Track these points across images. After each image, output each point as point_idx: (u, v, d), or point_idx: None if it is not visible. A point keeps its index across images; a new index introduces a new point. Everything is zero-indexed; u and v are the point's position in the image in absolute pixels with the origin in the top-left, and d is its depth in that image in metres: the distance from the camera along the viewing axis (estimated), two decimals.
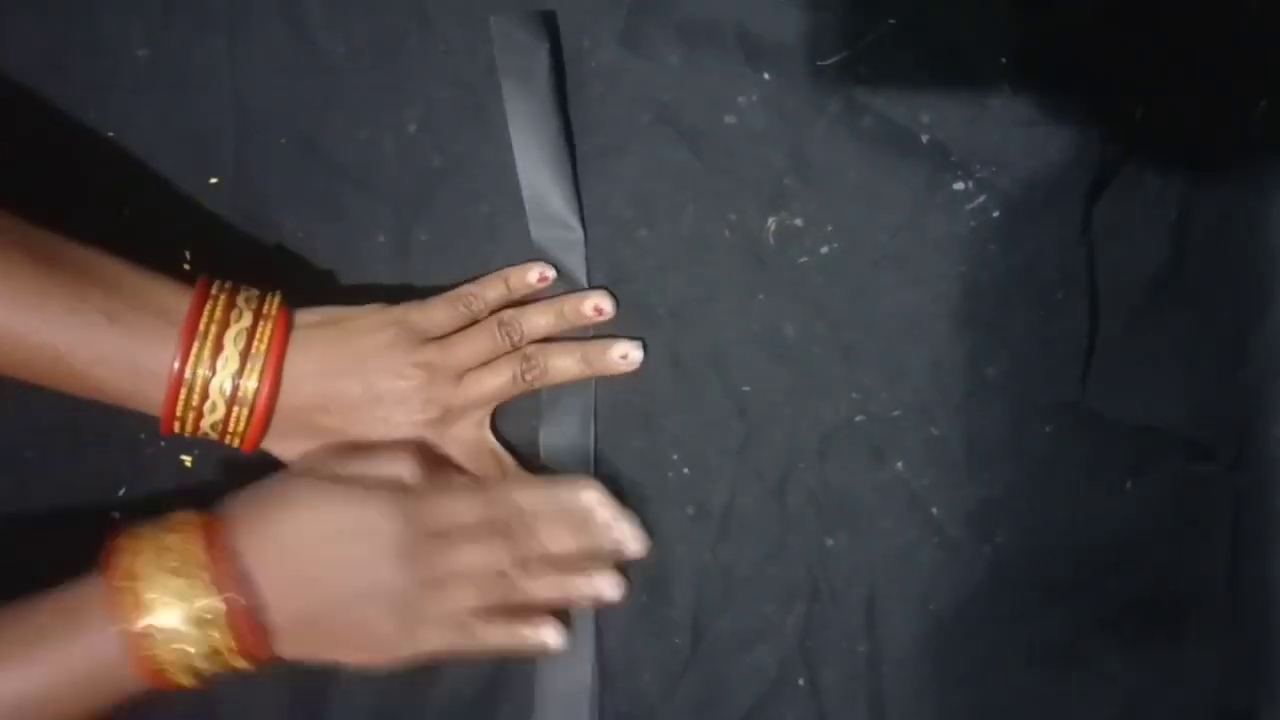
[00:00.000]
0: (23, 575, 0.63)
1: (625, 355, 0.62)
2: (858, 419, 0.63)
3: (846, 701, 0.64)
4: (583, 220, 0.63)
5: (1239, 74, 0.64)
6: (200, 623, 0.52)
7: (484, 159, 0.64)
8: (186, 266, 0.64)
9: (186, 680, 0.53)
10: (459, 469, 0.61)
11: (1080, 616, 0.63)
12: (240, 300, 0.57)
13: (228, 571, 0.53)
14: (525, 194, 0.63)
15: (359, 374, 0.58)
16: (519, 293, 0.62)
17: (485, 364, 0.60)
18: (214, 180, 0.64)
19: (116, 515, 0.64)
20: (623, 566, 0.61)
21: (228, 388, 0.56)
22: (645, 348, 0.63)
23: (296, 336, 0.57)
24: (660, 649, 0.64)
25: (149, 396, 0.56)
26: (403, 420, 0.59)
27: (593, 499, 0.60)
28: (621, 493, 0.63)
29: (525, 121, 0.63)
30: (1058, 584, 0.63)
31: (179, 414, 0.56)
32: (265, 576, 0.54)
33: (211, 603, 0.52)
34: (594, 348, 0.62)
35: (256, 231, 0.64)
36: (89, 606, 0.53)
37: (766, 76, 0.63)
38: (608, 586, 0.60)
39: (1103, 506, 0.63)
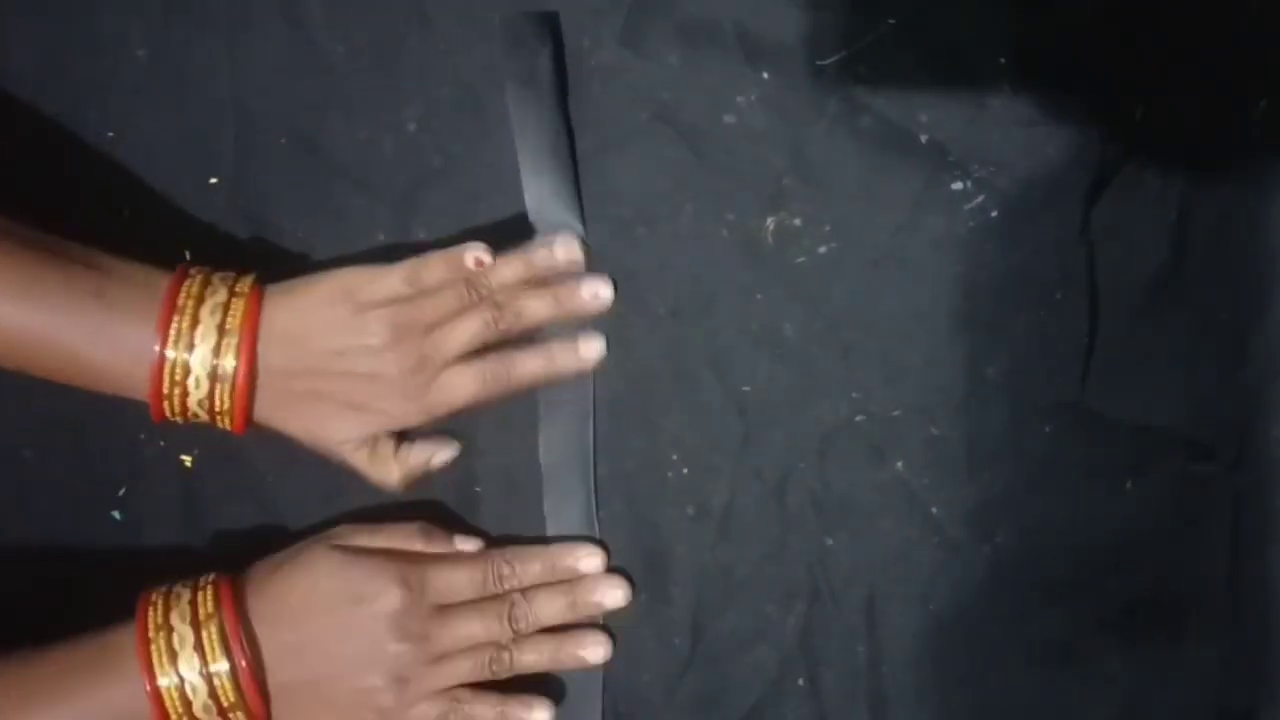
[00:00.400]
0: (23, 575, 0.64)
1: (596, 294, 0.62)
2: (858, 419, 0.63)
3: (846, 701, 0.64)
4: (584, 221, 0.63)
5: (1239, 74, 0.64)
6: (210, 679, 0.54)
7: (484, 159, 0.64)
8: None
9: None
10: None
11: (1080, 616, 0.63)
12: (216, 279, 0.57)
13: (237, 633, 0.55)
14: (527, 196, 0.63)
15: (324, 337, 0.58)
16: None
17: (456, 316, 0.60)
18: (213, 180, 0.64)
19: (117, 515, 0.64)
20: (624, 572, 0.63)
21: (208, 363, 0.56)
22: (644, 348, 0.63)
23: (267, 308, 0.58)
24: (660, 649, 0.64)
25: (136, 377, 0.56)
26: (381, 374, 0.58)
27: (592, 565, 0.62)
28: (621, 493, 0.63)
29: (528, 123, 0.63)
30: (1057, 584, 0.63)
31: (165, 392, 0.56)
32: (270, 638, 0.56)
33: (222, 663, 0.54)
34: (564, 288, 0.61)
35: (256, 231, 0.64)
36: (119, 655, 0.55)
37: (766, 76, 0.63)
38: (595, 651, 0.62)
39: (1102, 506, 0.63)
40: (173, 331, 0.55)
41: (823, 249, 0.63)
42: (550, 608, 0.61)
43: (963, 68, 0.63)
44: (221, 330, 0.56)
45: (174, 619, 0.55)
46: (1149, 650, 0.64)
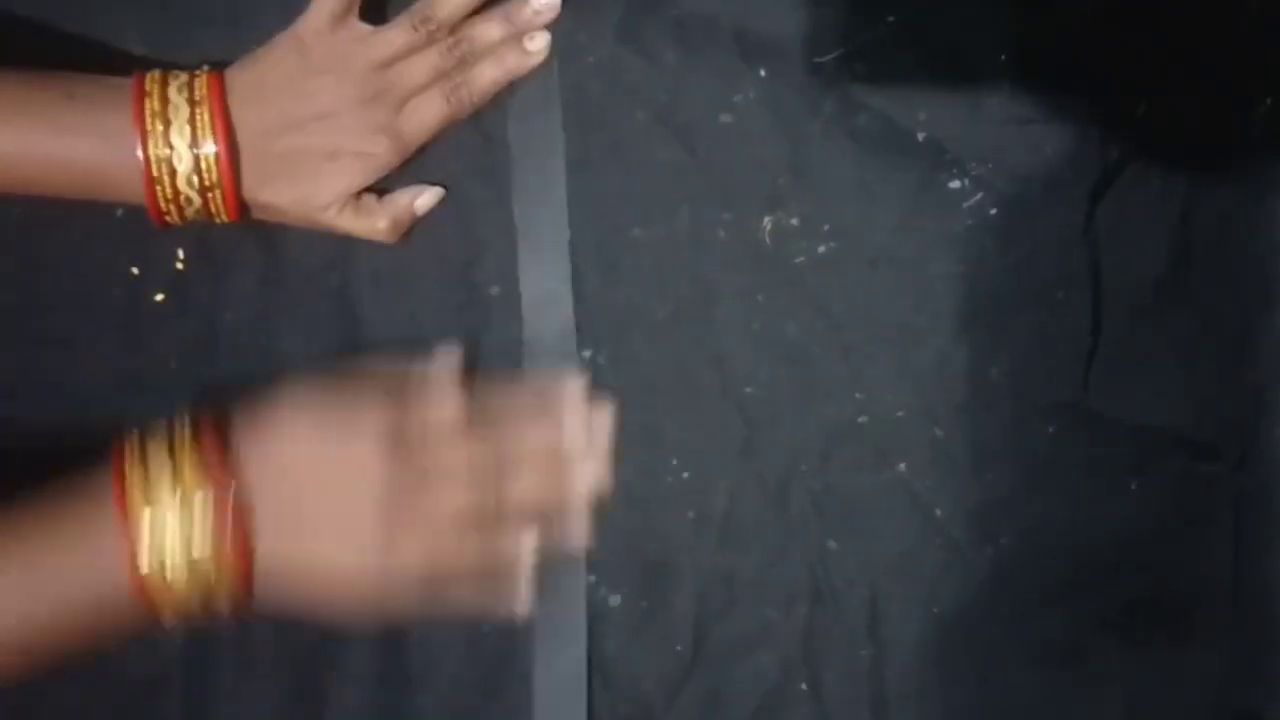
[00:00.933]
0: None
1: (539, 11, 0.62)
2: (860, 420, 0.63)
3: (849, 704, 0.63)
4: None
5: (1241, 73, 0.64)
6: (189, 506, 0.53)
7: (476, 143, 0.63)
8: (180, 266, 0.63)
9: (177, 587, 0.53)
10: None
11: (1083, 617, 0.63)
12: (173, 78, 0.58)
13: (216, 460, 0.54)
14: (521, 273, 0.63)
15: (287, 88, 0.59)
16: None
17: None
18: None
19: None
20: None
21: (186, 135, 0.56)
22: (643, 350, 0.63)
23: (229, 77, 0.58)
24: (662, 654, 0.63)
25: (123, 167, 0.56)
26: (343, 111, 0.59)
27: (575, 391, 0.61)
28: (621, 498, 0.62)
29: (532, 202, 0.63)
30: (1060, 585, 0.63)
31: (155, 175, 0.56)
32: (253, 464, 0.54)
33: (201, 491, 0.53)
34: (513, 7, 0.62)
35: (253, 227, 0.64)
36: (96, 504, 0.54)
37: (763, 74, 0.63)
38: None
39: (1105, 507, 0.63)
40: (147, 112, 0.56)
41: (821, 249, 0.63)
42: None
43: (961, 66, 0.63)
44: (192, 102, 0.56)
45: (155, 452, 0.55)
46: (1152, 651, 0.64)
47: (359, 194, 0.60)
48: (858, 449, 0.63)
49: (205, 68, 0.59)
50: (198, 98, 0.57)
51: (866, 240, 0.63)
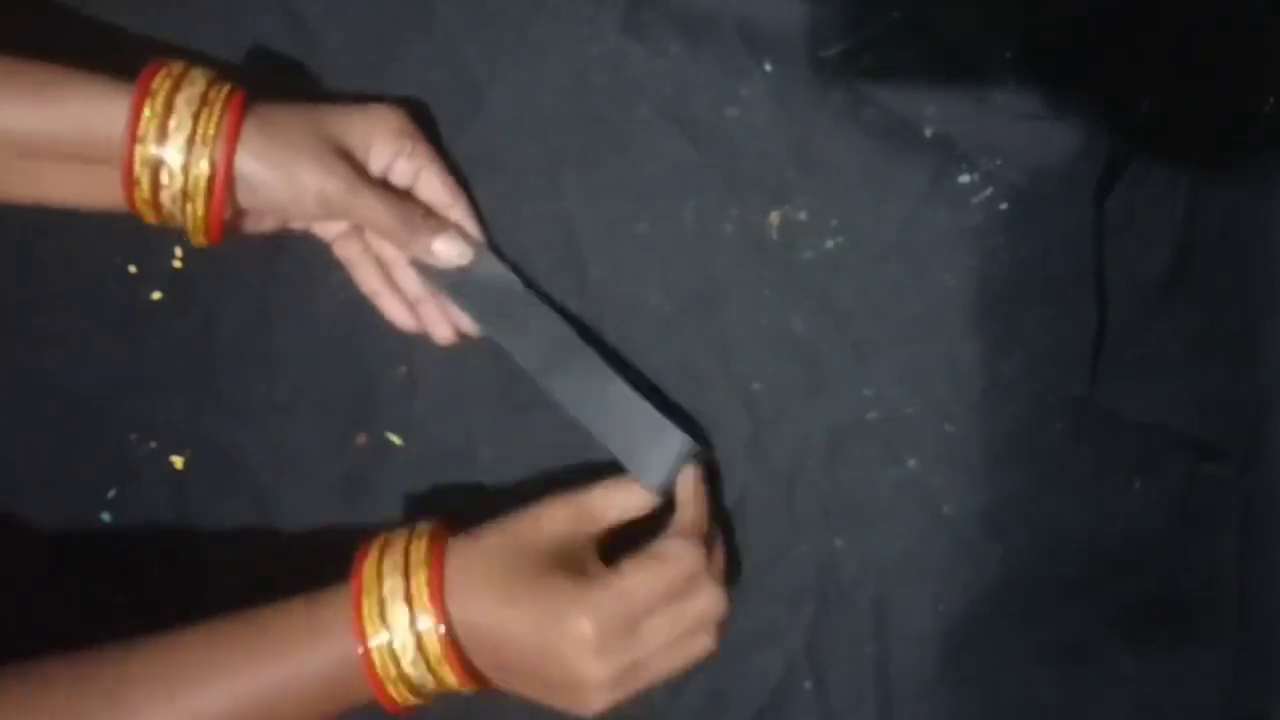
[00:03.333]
0: (12, 577, 0.63)
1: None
2: (869, 416, 0.63)
3: (854, 703, 0.63)
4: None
5: (1247, 70, 0.64)
6: (420, 642, 0.53)
7: (479, 140, 0.63)
8: (178, 265, 0.63)
9: (405, 694, 0.54)
10: None
11: (1090, 616, 0.63)
12: (195, 72, 0.56)
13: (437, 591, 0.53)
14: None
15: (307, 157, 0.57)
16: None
17: None
18: None
19: (106, 518, 0.63)
20: None
21: (181, 156, 0.54)
22: (650, 346, 0.63)
23: (253, 114, 0.56)
24: None
25: (103, 154, 0.55)
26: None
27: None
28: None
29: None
30: (1068, 583, 0.63)
31: (136, 174, 0.55)
32: (465, 630, 0.54)
33: (431, 626, 0.53)
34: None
35: None
36: (333, 613, 0.54)
37: (768, 68, 0.63)
38: None
39: (1112, 505, 0.63)
40: (144, 118, 0.54)
41: (829, 243, 0.63)
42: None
43: (967, 61, 0.63)
44: (196, 120, 0.55)
45: (390, 584, 0.54)
46: (1159, 650, 0.64)
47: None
48: (866, 446, 0.63)
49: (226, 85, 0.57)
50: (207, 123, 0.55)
51: (875, 235, 0.63)
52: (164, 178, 0.55)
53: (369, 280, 0.62)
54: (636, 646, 0.54)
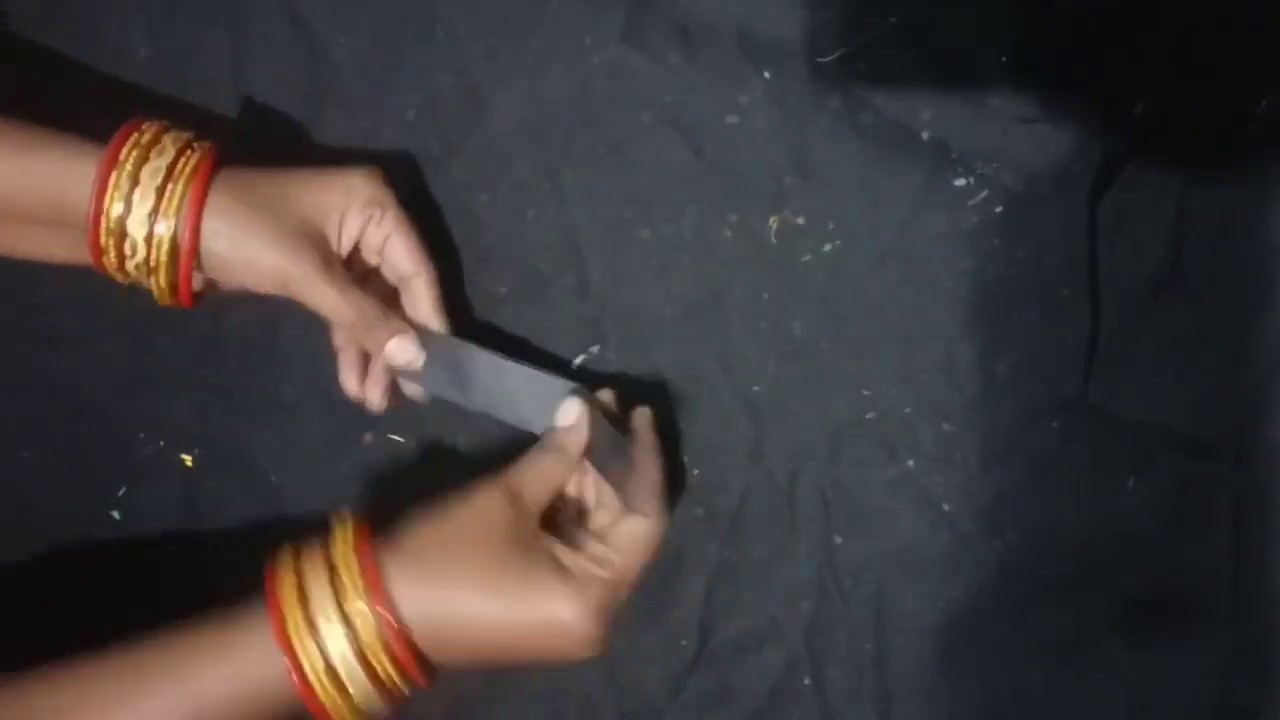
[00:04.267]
0: (23, 574, 0.63)
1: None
2: (869, 416, 0.63)
3: (853, 699, 0.64)
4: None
5: (1240, 73, 0.64)
6: (361, 648, 0.51)
7: (482, 145, 0.64)
8: None
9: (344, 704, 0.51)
10: None
11: (1085, 613, 0.64)
12: (166, 139, 0.55)
13: (376, 586, 0.51)
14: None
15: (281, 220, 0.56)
16: None
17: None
18: None
19: (116, 515, 0.63)
20: None
21: (144, 228, 0.54)
22: (652, 350, 0.64)
23: (222, 184, 0.55)
24: (667, 649, 0.64)
25: (73, 220, 0.54)
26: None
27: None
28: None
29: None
30: (1063, 581, 0.63)
31: (103, 244, 0.54)
32: (422, 625, 0.52)
33: (374, 634, 0.51)
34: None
35: None
36: (253, 623, 0.51)
37: (767, 75, 0.63)
38: None
39: (1106, 504, 0.64)
40: (110, 190, 0.53)
41: (827, 247, 0.63)
42: None
43: (963, 65, 0.63)
44: (161, 194, 0.54)
45: (317, 587, 0.51)
46: (1153, 647, 0.64)
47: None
48: (866, 445, 0.63)
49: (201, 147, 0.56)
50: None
51: (872, 238, 0.63)
52: (128, 249, 0.54)
53: (336, 336, 0.61)
54: (618, 605, 0.54)
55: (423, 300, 0.60)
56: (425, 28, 0.63)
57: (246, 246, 0.54)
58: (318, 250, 0.56)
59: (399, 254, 0.59)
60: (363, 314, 0.57)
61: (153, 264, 0.54)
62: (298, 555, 0.52)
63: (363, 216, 0.58)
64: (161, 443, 0.64)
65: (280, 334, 0.64)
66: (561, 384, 0.58)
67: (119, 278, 0.56)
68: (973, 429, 0.63)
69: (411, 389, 0.60)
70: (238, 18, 0.63)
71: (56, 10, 0.63)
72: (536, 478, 0.55)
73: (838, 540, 0.64)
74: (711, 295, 0.63)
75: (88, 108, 0.63)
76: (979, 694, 0.64)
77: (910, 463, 0.63)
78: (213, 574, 0.63)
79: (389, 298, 0.60)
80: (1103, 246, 0.63)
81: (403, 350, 0.58)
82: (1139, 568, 0.64)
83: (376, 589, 0.51)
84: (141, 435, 0.64)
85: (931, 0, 0.63)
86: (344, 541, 0.52)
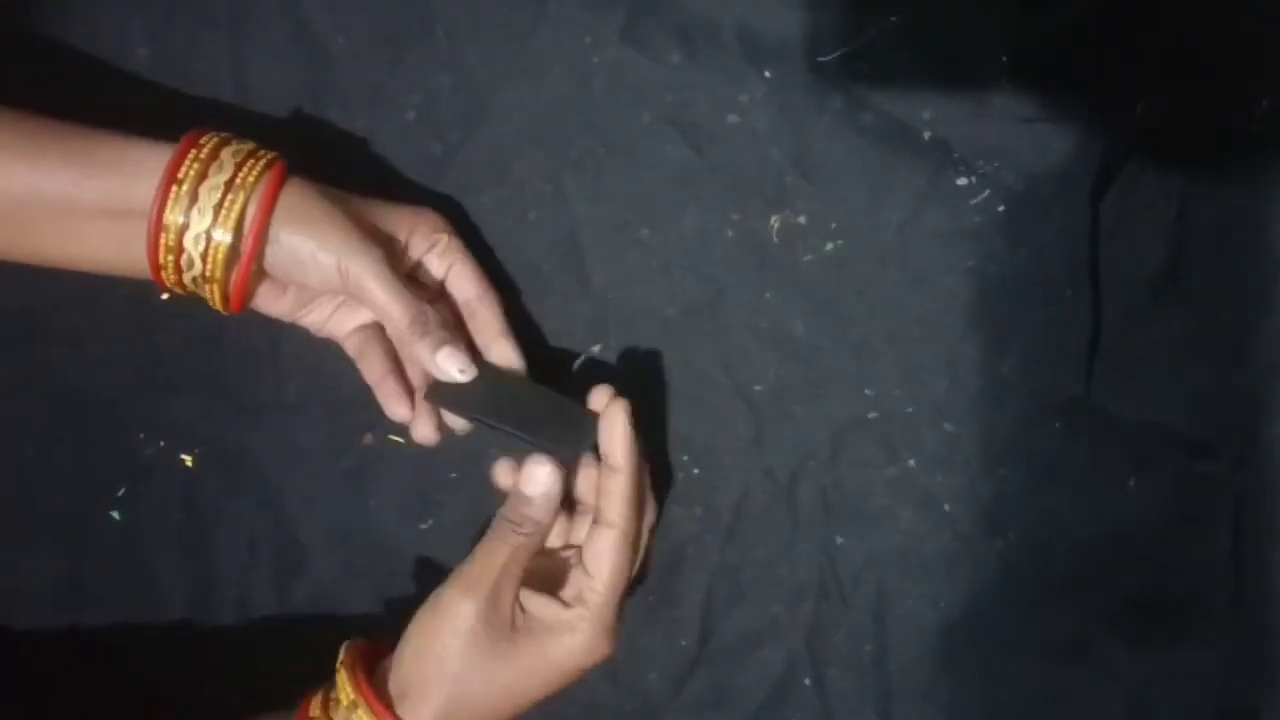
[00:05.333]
0: (23, 574, 0.63)
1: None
2: (870, 415, 0.63)
3: (853, 699, 0.64)
4: None
5: (1240, 72, 0.64)
6: None
7: (483, 146, 0.64)
8: None
9: None
10: None
11: (1086, 613, 0.64)
12: (225, 153, 0.56)
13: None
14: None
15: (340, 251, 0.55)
16: None
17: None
18: None
19: (116, 515, 0.63)
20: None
21: (201, 241, 0.54)
22: (653, 350, 0.64)
23: (286, 202, 0.56)
24: (667, 649, 0.64)
25: (132, 235, 0.55)
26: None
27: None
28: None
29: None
30: (1064, 581, 0.63)
31: (161, 261, 0.55)
32: None
33: None
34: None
35: None
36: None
37: (768, 75, 0.63)
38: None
39: (1107, 504, 0.64)
40: (170, 202, 0.54)
41: (829, 247, 0.63)
42: None
43: (964, 64, 0.63)
44: (219, 209, 0.54)
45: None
46: (1153, 646, 0.64)
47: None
48: (867, 445, 0.63)
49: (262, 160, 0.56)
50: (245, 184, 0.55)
51: (874, 238, 0.63)
52: (184, 263, 0.55)
53: (373, 368, 0.60)
54: (617, 614, 0.56)
55: (490, 325, 0.60)
56: (425, 28, 0.63)
57: (309, 242, 0.55)
58: (380, 252, 0.56)
59: (464, 280, 0.60)
60: (422, 315, 0.57)
61: (208, 274, 0.55)
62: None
63: (428, 241, 0.59)
64: (162, 443, 0.64)
65: (281, 335, 0.64)
66: (588, 415, 0.57)
67: (177, 290, 0.56)
68: (974, 429, 0.63)
69: (454, 421, 0.60)
70: (238, 18, 0.63)
71: (56, 10, 0.63)
72: (512, 562, 0.55)
73: (838, 540, 0.64)
74: (712, 295, 0.63)
75: (88, 108, 0.63)
76: (980, 694, 0.64)
77: (911, 462, 0.63)
78: (213, 574, 0.64)
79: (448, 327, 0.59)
80: (1103, 246, 0.63)
81: (454, 359, 0.57)
82: (1139, 568, 0.64)
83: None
84: (142, 435, 0.64)
85: (932, 0, 0.63)
86: (349, 689, 0.55)
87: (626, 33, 0.63)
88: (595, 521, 0.56)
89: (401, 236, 0.58)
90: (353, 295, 0.56)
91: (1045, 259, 0.63)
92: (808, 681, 0.64)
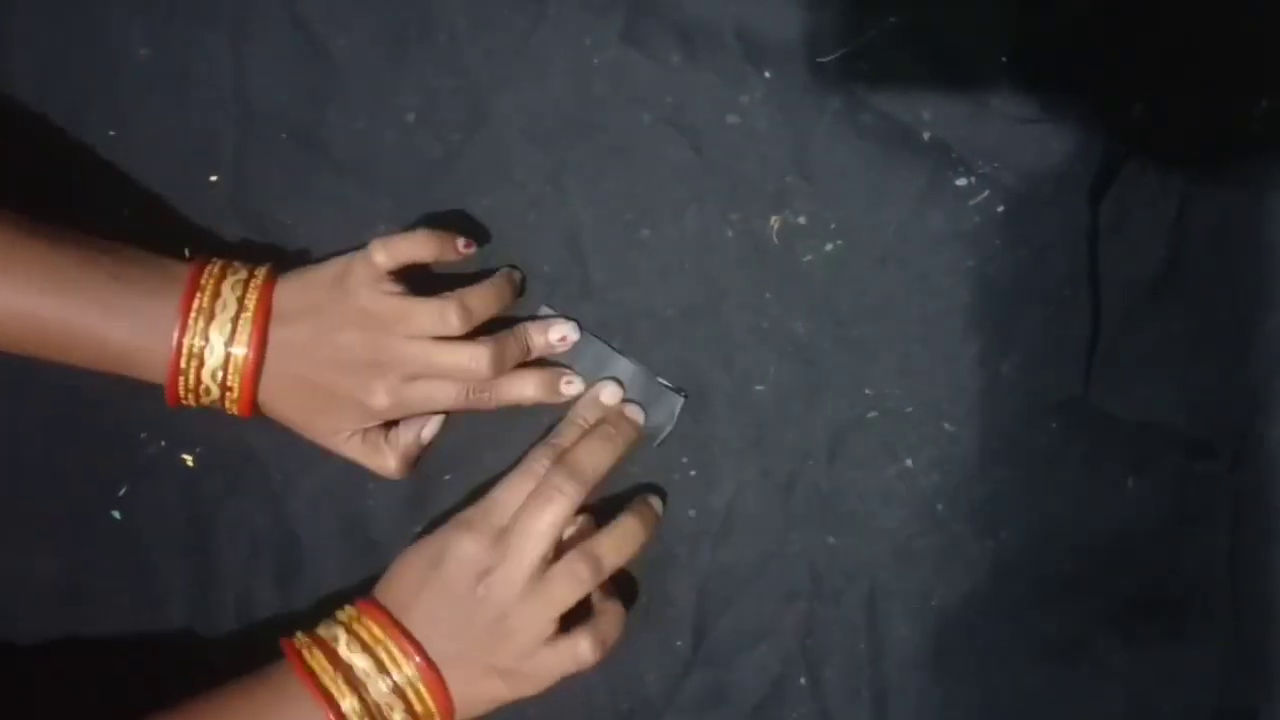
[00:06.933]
0: (23, 575, 0.63)
1: (563, 337, 0.63)
2: (870, 415, 0.63)
3: (848, 698, 0.64)
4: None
5: (1239, 73, 0.64)
6: (399, 691, 0.57)
7: (483, 147, 0.64)
8: None
9: None
10: None
11: (1082, 613, 0.64)
12: (231, 272, 0.59)
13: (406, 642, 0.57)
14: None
15: (329, 337, 0.59)
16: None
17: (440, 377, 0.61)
18: (214, 178, 0.64)
19: (116, 515, 0.63)
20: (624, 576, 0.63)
21: (225, 338, 0.57)
22: (653, 350, 0.64)
23: (282, 292, 0.59)
24: (662, 649, 0.64)
25: (153, 354, 0.57)
26: (360, 400, 0.59)
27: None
28: (628, 495, 0.63)
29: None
30: (1060, 580, 0.63)
31: (182, 367, 0.57)
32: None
33: (407, 672, 0.57)
34: (534, 331, 0.63)
35: (257, 227, 0.64)
36: (298, 693, 0.56)
37: (768, 75, 0.63)
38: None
39: (1105, 503, 0.64)
40: (195, 305, 0.57)
41: (829, 247, 0.63)
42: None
43: (963, 65, 0.63)
44: (241, 303, 0.58)
45: (347, 650, 0.57)
46: (1151, 646, 0.64)
47: (366, 431, 0.61)
48: (866, 445, 0.63)
49: (264, 270, 0.60)
50: (248, 301, 0.58)
51: (874, 238, 0.63)
52: (202, 392, 0.59)
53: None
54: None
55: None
56: (425, 29, 0.64)
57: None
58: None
59: (483, 300, 0.61)
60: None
61: (230, 382, 0.59)
62: (311, 635, 0.58)
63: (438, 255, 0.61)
64: (162, 442, 0.64)
65: None
66: (674, 397, 0.63)
67: (190, 400, 0.59)
68: (973, 428, 0.63)
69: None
70: (238, 18, 0.63)
71: (57, 10, 0.63)
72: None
73: (831, 540, 0.64)
74: (713, 295, 0.63)
75: (88, 108, 0.63)
76: (977, 694, 0.64)
77: (909, 462, 0.63)
78: (213, 574, 0.64)
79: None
80: (1103, 246, 0.63)
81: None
82: (1138, 568, 0.64)
83: (400, 634, 0.57)
84: (143, 435, 0.64)
85: (931, 0, 0.63)
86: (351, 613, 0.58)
87: (626, 34, 0.63)
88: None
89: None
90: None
91: (1045, 259, 0.63)
92: (803, 681, 0.64)
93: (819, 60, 0.63)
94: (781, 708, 0.64)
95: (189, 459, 0.64)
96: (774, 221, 0.63)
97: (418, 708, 0.56)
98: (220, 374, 0.58)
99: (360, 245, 0.60)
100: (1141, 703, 0.64)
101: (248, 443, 0.64)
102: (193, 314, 0.57)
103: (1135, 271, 0.63)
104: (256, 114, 0.63)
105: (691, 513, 0.64)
